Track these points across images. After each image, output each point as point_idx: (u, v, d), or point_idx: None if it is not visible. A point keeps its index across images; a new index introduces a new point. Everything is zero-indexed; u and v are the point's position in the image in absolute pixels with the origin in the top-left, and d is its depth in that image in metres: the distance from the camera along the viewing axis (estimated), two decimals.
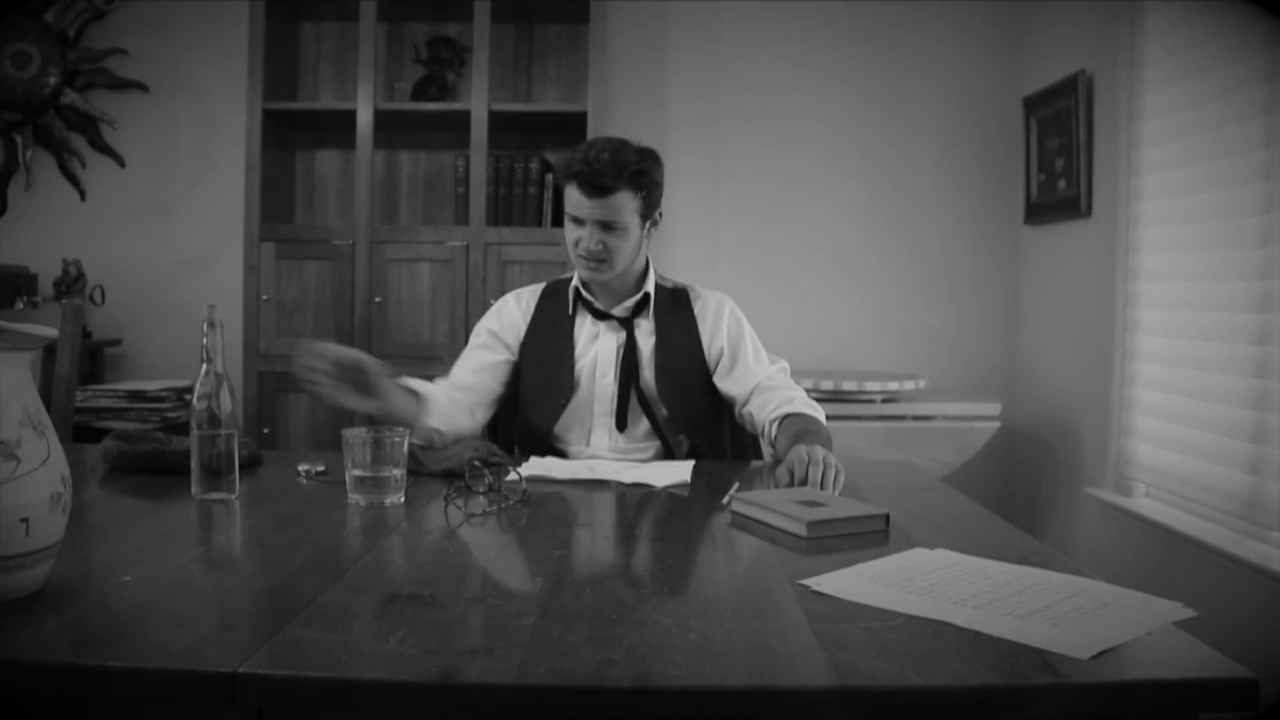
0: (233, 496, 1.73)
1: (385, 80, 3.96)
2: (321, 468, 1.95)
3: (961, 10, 4.06)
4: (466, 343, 2.46)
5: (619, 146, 2.21)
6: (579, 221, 2.22)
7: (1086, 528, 3.48)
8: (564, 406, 2.30)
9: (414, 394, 2.18)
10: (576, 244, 2.24)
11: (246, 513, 1.72)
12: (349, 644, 1.05)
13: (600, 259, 2.23)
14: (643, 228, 2.28)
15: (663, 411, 2.31)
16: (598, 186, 2.17)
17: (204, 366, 1.73)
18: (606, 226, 2.21)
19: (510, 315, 2.40)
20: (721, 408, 2.41)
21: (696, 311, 2.38)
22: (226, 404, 1.73)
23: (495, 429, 2.56)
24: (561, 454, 2.32)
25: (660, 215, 2.31)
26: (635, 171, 2.19)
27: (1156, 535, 2.96)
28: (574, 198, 2.21)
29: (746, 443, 2.51)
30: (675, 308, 2.38)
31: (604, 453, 2.31)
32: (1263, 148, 2.62)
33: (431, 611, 1.15)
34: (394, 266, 3.69)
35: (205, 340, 1.73)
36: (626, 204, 2.21)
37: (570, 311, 2.36)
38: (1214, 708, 1.00)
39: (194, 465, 1.71)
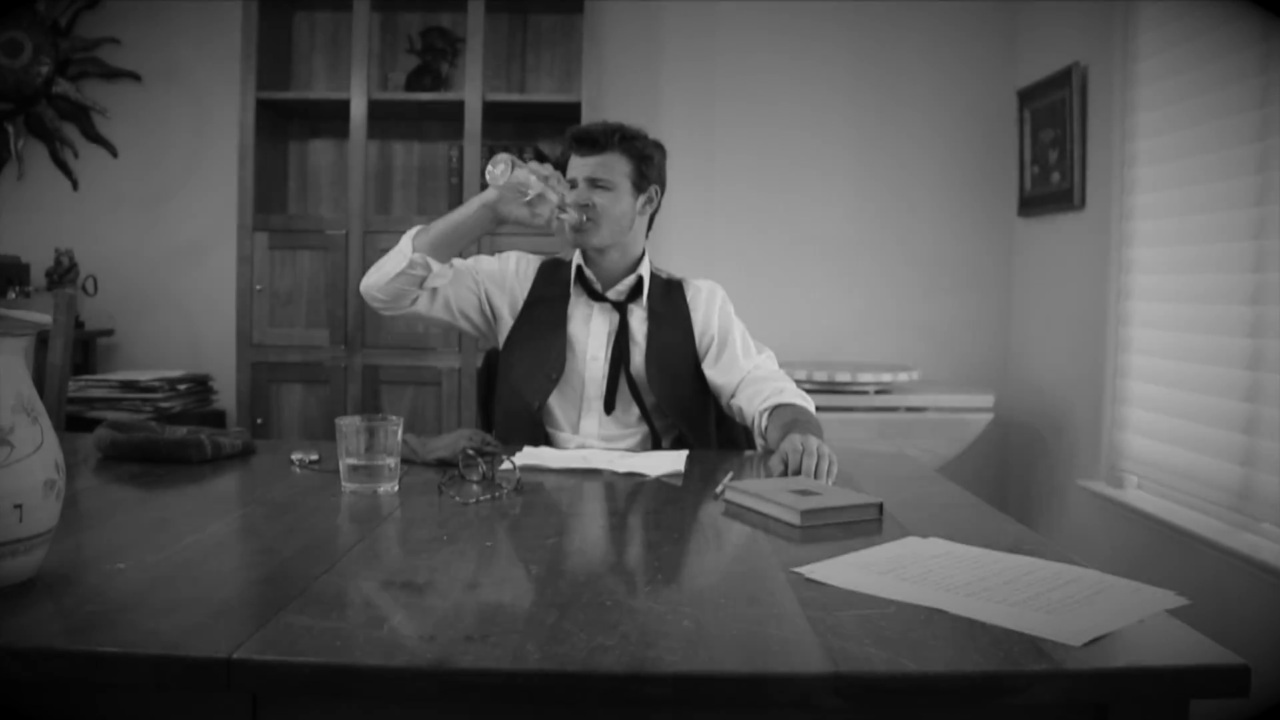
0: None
1: (379, 70, 3.95)
2: (315, 456, 1.95)
3: (955, 3, 4.05)
4: (459, 333, 2.47)
5: (617, 125, 2.31)
6: (573, 183, 2.28)
7: (1078, 519, 3.49)
8: (555, 382, 2.30)
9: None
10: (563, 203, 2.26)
11: (240, 501, 1.73)
12: (343, 630, 1.04)
13: (588, 217, 2.25)
14: (635, 198, 2.30)
15: (651, 398, 2.31)
16: (587, 142, 2.28)
17: None
18: (595, 183, 2.27)
19: (515, 278, 2.41)
20: (709, 398, 2.41)
21: (689, 299, 2.39)
22: None
23: (488, 418, 2.56)
24: (550, 438, 2.32)
25: (658, 193, 2.36)
26: (627, 135, 2.30)
27: (1148, 527, 2.97)
28: (569, 160, 2.31)
29: (736, 434, 2.51)
30: (669, 296, 2.39)
31: (593, 437, 2.31)
32: (1256, 140, 2.62)
33: (426, 598, 1.15)
34: None
35: None
36: (616, 164, 2.29)
37: (566, 291, 2.36)
38: (1206, 694, 1.00)
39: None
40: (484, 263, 2.43)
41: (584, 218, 2.24)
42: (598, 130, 2.29)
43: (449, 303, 2.35)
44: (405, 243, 2.25)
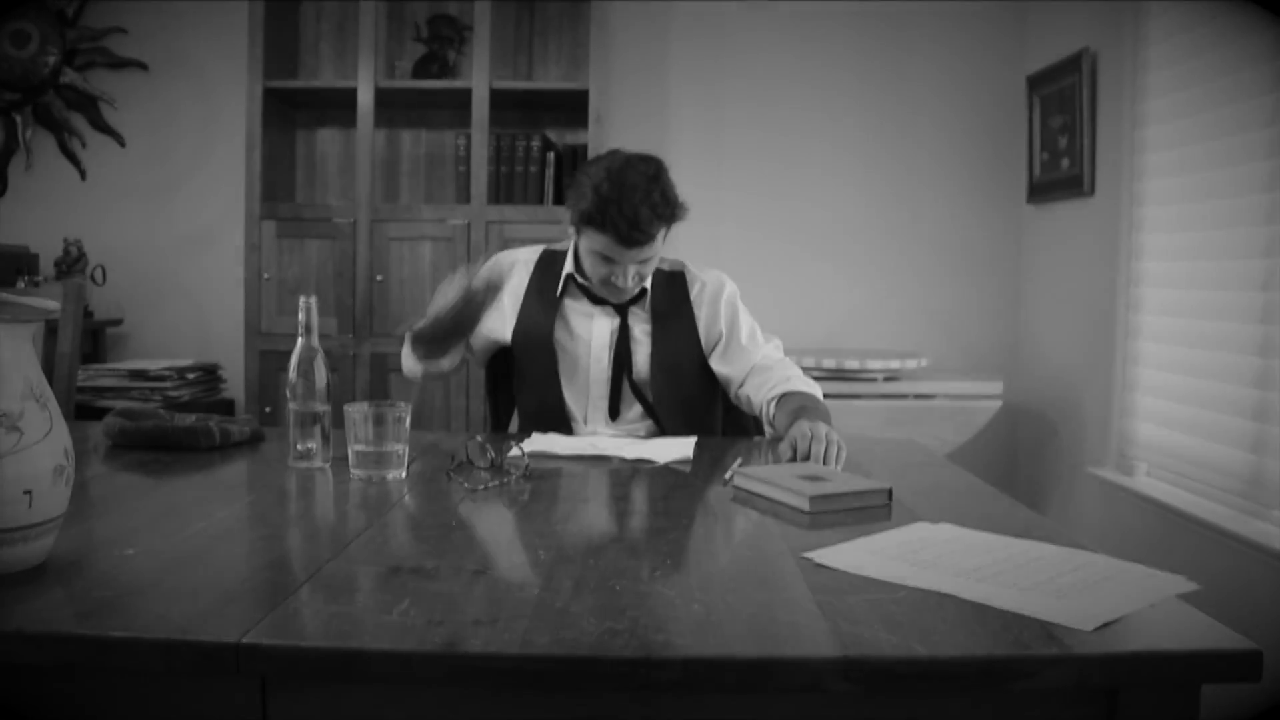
0: (326, 465, 1.79)
1: (386, 58, 3.94)
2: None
3: None
4: None
5: (647, 189, 2.13)
6: (609, 260, 2.18)
7: (1088, 507, 3.48)
8: (556, 372, 2.30)
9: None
10: (606, 280, 2.20)
11: (248, 488, 1.73)
12: (352, 615, 1.05)
13: (630, 289, 2.23)
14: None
15: (658, 396, 2.30)
16: (637, 242, 2.14)
17: (300, 340, 1.80)
18: (643, 263, 2.20)
19: (510, 273, 2.37)
20: (715, 392, 2.40)
21: (693, 296, 2.35)
22: (322, 376, 1.80)
23: (496, 409, 2.56)
24: (567, 430, 2.31)
25: None
26: (668, 218, 2.17)
27: (1158, 514, 2.96)
28: (604, 243, 2.15)
29: (745, 423, 2.50)
30: (672, 293, 2.35)
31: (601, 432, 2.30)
32: (1268, 125, 2.60)
33: (434, 583, 1.15)
34: (395, 245, 3.68)
35: (302, 315, 1.80)
36: (659, 237, 2.19)
37: (558, 294, 2.33)
38: (1217, 678, 1.00)
39: (291, 433, 1.80)
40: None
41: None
42: (645, 230, 2.11)
43: (477, 348, 2.42)
44: (407, 361, 2.31)
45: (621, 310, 2.31)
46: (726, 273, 2.43)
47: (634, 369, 2.30)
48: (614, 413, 2.30)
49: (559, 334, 2.31)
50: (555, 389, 2.30)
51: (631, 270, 2.19)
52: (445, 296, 2.05)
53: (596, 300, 2.31)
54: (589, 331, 2.31)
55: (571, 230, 2.25)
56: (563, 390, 2.32)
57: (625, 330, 2.30)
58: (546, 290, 2.34)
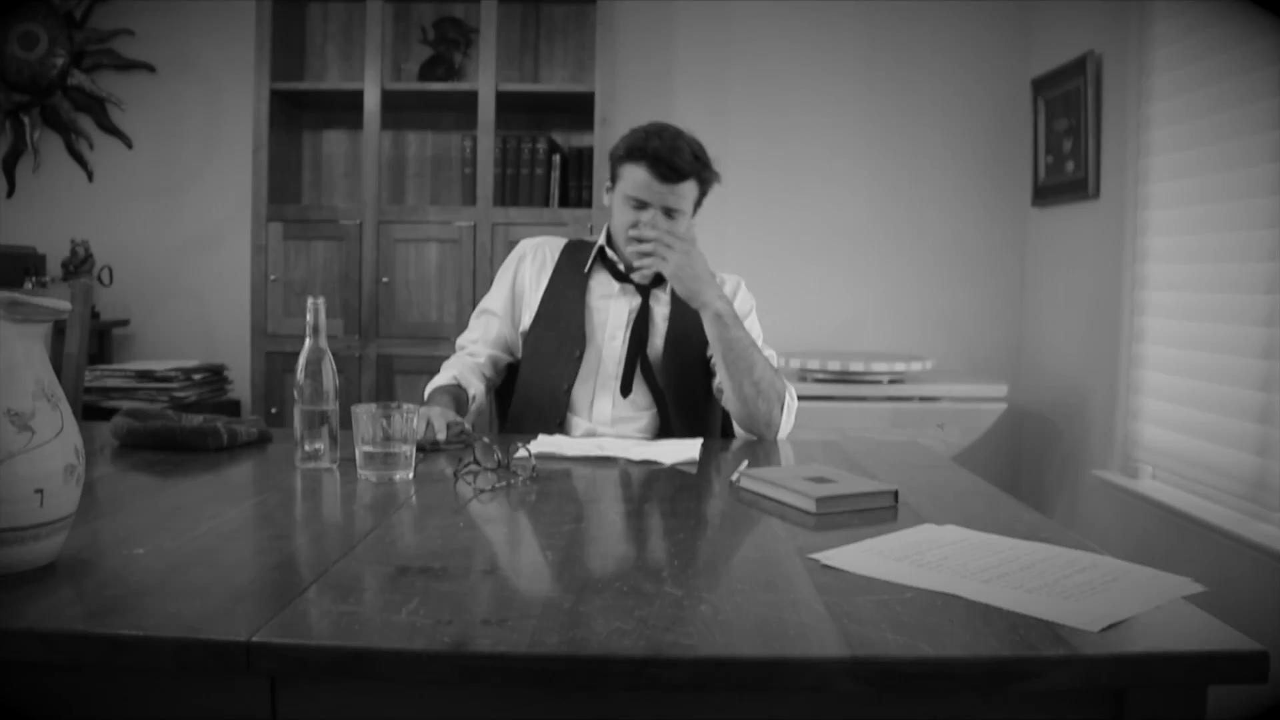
0: (334, 466, 1.80)
1: (392, 61, 3.95)
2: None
3: None
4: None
5: (685, 137, 2.24)
6: (641, 204, 2.22)
7: (1093, 510, 3.48)
8: (579, 361, 2.31)
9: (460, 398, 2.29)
10: (633, 227, 2.23)
11: (256, 488, 1.74)
12: (361, 614, 1.05)
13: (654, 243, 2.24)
14: (692, 216, 2.31)
15: (665, 382, 2.31)
16: (675, 170, 2.19)
17: (308, 341, 1.80)
18: (669, 213, 2.23)
19: (527, 279, 2.42)
20: None
21: None
22: (330, 377, 1.81)
23: (503, 406, 2.57)
24: (566, 422, 2.32)
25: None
26: (704, 163, 2.24)
27: (1163, 517, 2.96)
28: (641, 179, 2.21)
29: None
30: None
31: (605, 419, 2.31)
32: (1273, 128, 2.60)
33: (443, 583, 1.15)
34: (401, 247, 3.69)
35: (310, 316, 1.80)
36: (689, 193, 2.24)
37: (586, 270, 2.37)
38: (1224, 680, 1.00)
39: (297, 434, 1.81)
40: (501, 282, 2.46)
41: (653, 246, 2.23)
42: (685, 161, 2.19)
43: (502, 358, 2.45)
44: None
45: (644, 292, 2.33)
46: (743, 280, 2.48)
47: (650, 347, 2.32)
48: (626, 389, 2.31)
49: (579, 310, 2.35)
50: (573, 368, 2.31)
51: (658, 218, 2.22)
52: (421, 431, 1.98)
53: (620, 277, 2.34)
54: (607, 310, 2.34)
55: (607, 194, 2.32)
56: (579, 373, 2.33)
57: (645, 310, 2.32)
58: (574, 271, 2.38)
